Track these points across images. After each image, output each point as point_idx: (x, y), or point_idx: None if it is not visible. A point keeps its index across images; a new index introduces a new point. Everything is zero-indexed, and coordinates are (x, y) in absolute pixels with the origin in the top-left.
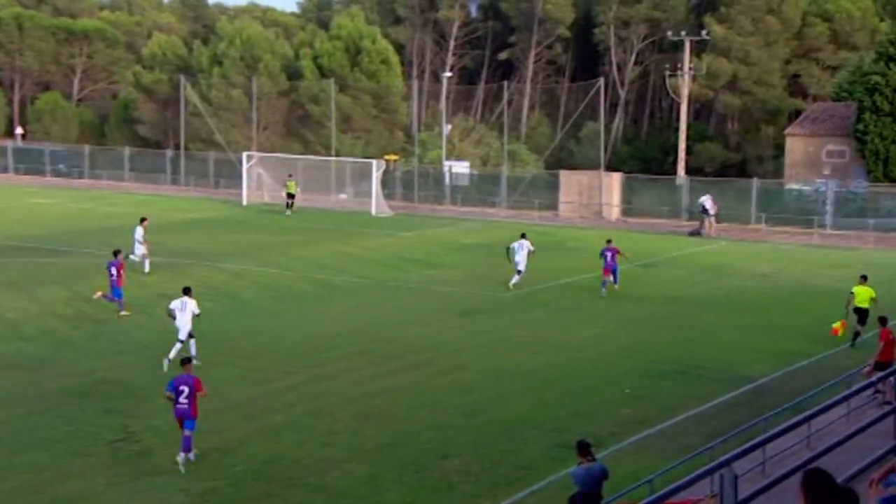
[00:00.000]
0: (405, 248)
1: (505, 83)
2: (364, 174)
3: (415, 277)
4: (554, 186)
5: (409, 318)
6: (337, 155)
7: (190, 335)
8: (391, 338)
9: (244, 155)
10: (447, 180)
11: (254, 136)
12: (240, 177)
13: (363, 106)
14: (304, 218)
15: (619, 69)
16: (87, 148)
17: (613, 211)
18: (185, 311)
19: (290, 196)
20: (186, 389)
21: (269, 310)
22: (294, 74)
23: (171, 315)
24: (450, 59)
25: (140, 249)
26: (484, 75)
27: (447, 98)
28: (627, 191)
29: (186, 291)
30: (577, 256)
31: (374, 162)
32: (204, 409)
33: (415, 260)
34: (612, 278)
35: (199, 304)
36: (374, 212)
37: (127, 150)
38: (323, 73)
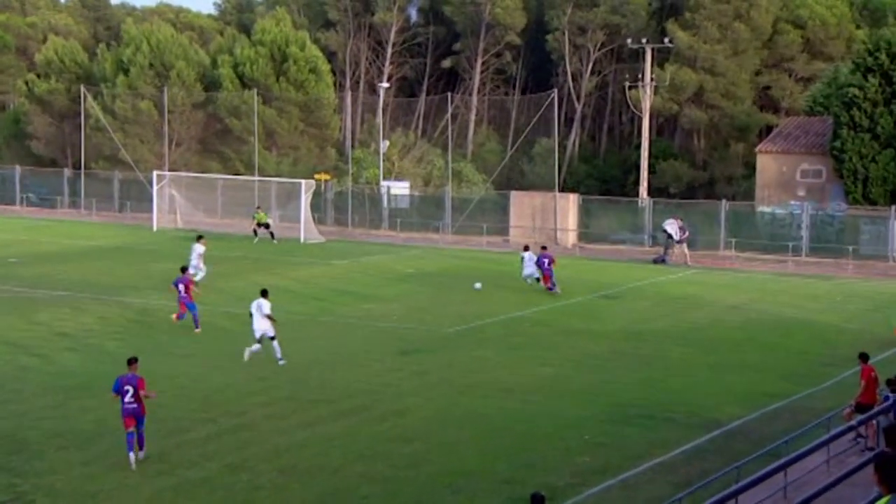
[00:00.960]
0: (338, 278)
1: (449, 95)
2: (291, 196)
3: (349, 312)
4: (504, 209)
5: (343, 357)
6: (261, 174)
7: (272, 337)
8: (322, 380)
9: (154, 174)
10: (385, 202)
11: (165, 153)
12: (149, 199)
13: (290, 119)
14: (223, 245)
15: (575, 80)
16: None
17: (569, 236)
18: (261, 310)
19: (264, 226)
20: (131, 389)
21: (183, 350)
22: (211, 84)
23: (250, 316)
24: (387, 68)
25: (201, 269)
26: (425, 86)
27: (384, 111)
28: (585, 214)
29: (264, 294)
30: (528, 287)
31: (303, 182)
32: (106, 465)
33: (349, 292)
34: (550, 285)
35: (102, 345)
36: (302, 238)
37: (18, 170)
38: (244, 82)
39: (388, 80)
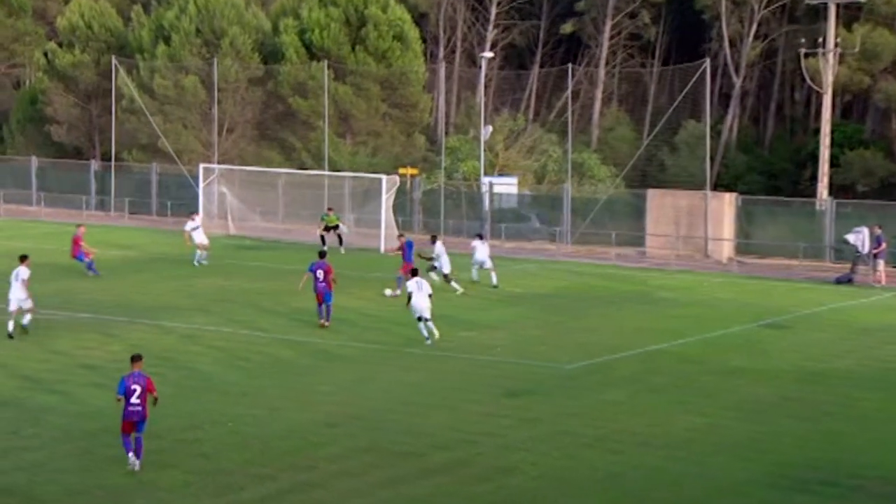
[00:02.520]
0: None
1: (569, 67)
2: (369, 195)
3: (441, 341)
4: (638, 212)
5: (434, 399)
6: (331, 168)
7: (426, 319)
8: (408, 428)
9: (201, 168)
10: (486, 203)
11: (214, 141)
12: (195, 199)
13: (369, 99)
14: (284, 257)
15: (733, 46)
16: None
17: (724, 247)
18: (421, 290)
19: (331, 229)
20: (139, 389)
21: (236, 387)
22: (272, 55)
23: (409, 296)
24: (490, 34)
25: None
26: (539, 56)
27: (487, 88)
28: (745, 218)
29: (414, 273)
30: (673, 312)
31: (384, 178)
32: None
33: (441, 317)
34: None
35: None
36: (382, 248)
37: (35, 161)
38: (312, 53)
39: (492, 48)
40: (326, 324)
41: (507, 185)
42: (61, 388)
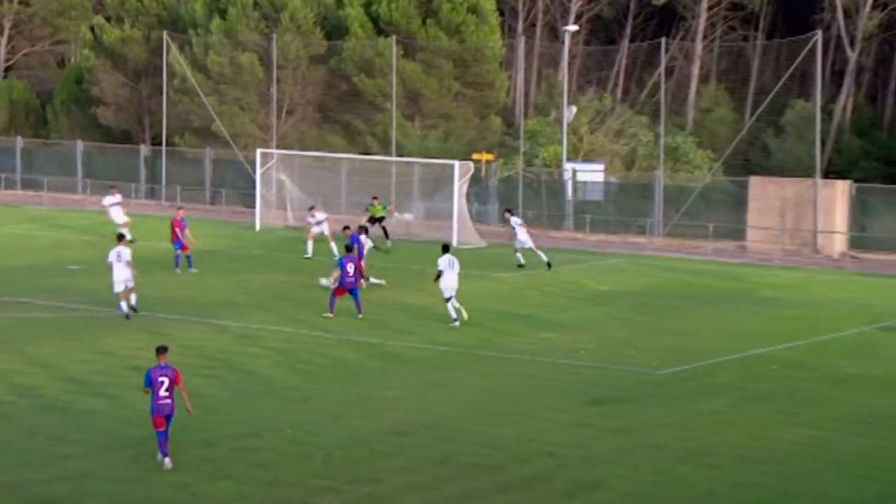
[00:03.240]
0: (504, 297)
1: (662, 41)
2: (440, 183)
3: (520, 344)
4: (739, 202)
5: (512, 407)
6: (399, 153)
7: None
8: (483, 438)
9: (258, 153)
10: (570, 192)
11: (273, 124)
12: (251, 186)
13: (440, 77)
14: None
15: (848, 16)
16: (19, 141)
17: (836, 241)
18: (453, 268)
19: (376, 220)
20: (166, 381)
21: (297, 392)
22: (335, 31)
23: (439, 274)
24: (575, 5)
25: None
26: (629, 29)
27: (570, 65)
28: (860, 209)
29: (446, 249)
30: (777, 313)
31: (457, 164)
32: None
33: (519, 317)
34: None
35: (187, 383)
36: (455, 241)
37: (80, 146)
38: (379, 27)
39: (577, 21)
40: (361, 316)
41: (592, 172)
42: (108, 392)
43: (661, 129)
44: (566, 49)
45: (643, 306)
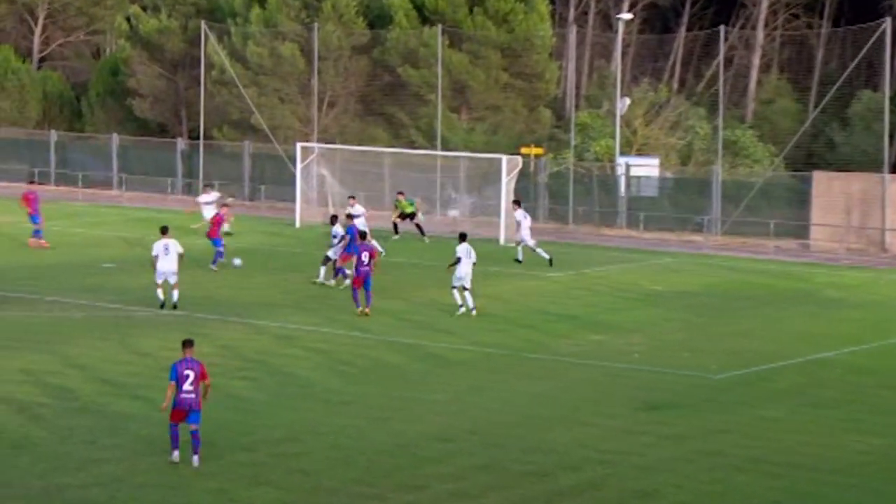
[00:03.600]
0: (554, 297)
1: (721, 29)
2: (488, 178)
3: (569, 346)
4: (802, 198)
5: (562, 412)
6: (445, 147)
7: (466, 288)
8: (531, 444)
9: (298, 147)
10: (622, 188)
11: (314, 117)
12: (291, 182)
13: (488, 68)
14: (392, 249)
15: None
16: (52, 135)
17: None
18: (469, 257)
19: (407, 217)
20: (192, 375)
21: (338, 395)
22: (378, 20)
23: (456, 260)
24: None
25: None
26: (686, 17)
27: (624, 55)
28: None
29: (463, 238)
30: (842, 315)
31: (504, 159)
32: None
33: (569, 318)
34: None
35: (225, 386)
36: (502, 239)
37: (115, 139)
38: (424, 16)
39: (631, 8)
40: (368, 311)
41: (646, 167)
42: (144, 394)
43: (720, 122)
44: (619, 38)
45: (700, 307)
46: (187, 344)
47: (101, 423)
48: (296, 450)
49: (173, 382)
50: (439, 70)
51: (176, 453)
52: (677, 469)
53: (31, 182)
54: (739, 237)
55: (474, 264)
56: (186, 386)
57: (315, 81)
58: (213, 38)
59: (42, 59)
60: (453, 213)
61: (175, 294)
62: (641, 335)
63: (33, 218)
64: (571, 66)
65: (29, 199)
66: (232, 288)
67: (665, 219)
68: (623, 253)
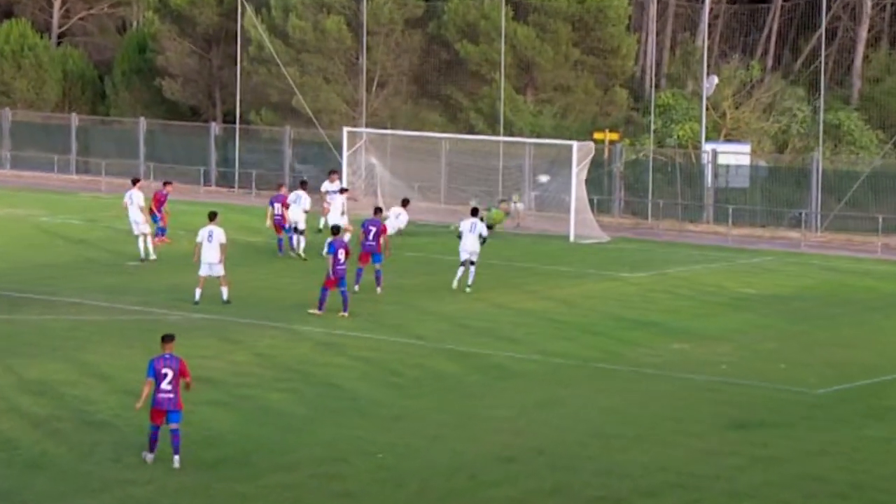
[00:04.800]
0: (630, 301)
1: None
2: (556, 166)
3: (647, 356)
4: None
5: (638, 430)
6: (508, 132)
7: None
8: (605, 466)
9: (345, 132)
10: (709, 179)
11: (362, 98)
12: (337, 170)
13: (557, 43)
14: (450, 245)
15: None
16: (74, 118)
17: None
18: (473, 231)
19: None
20: (170, 373)
21: (388, 410)
22: None
23: (458, 235)
24: None
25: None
26: None
27: (711, 28)
28: None
29: (474, 213)
30: None
31: (575, 145)
32: None
33: (647, 324)
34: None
35: (262, 399)
36: (572, 235)
37: (143, 123)
38: None
39: None
40: (345, 314)
41: (736, 155)
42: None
43: (821, 103)
44: (706, 9)
45: (796, 313)
46: (167, 339)
47: (126, 439)
48: (340, 471)
49: (151, 379)
50: (502, 46)
51: (150, 455)
52: (770, 496)
53: (167, 183)
54: (842, 234)
55: (483, 239)
56: (164, 385)
57: (363, 59)
58: (250, 11)
59: (62, 35)
60: (518, 205)
61: (224, 291)
62: (729, 344)
63: (154, 217)
64: (651, 40)
65: (157, 199)
66: (272, 288)
67: (757, 213)
68: (709, 251)
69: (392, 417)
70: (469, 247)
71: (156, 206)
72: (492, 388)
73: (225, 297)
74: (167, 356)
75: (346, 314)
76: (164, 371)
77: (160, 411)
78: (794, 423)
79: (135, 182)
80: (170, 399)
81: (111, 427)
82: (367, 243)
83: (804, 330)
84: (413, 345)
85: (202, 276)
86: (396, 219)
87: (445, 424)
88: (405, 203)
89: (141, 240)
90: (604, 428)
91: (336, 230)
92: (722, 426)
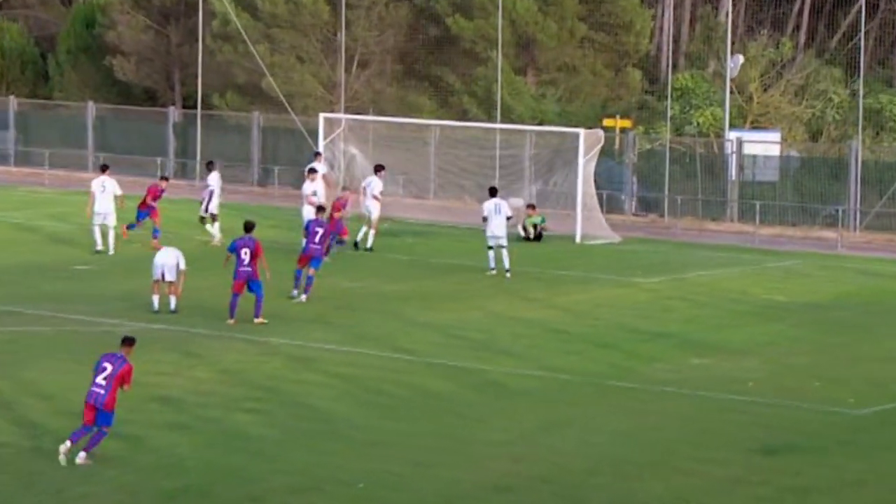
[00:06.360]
0: (645, 309)
1: None
2: (560, 157)
3: (664, 372)
4: None
5: (654, 456)
6: (507, 118)
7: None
8: (617, 496)
9: (322, 119)
10: (733, 170)
11: (341, 80)
12: (312, 162)
13: (561, 18)
14: (439, 246)
15: None
16: (12, 102)
17: None
18: (500, 213)
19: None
20: (109, 368)
21: (369, 433)
22: None
23: (483, 219)
24: None
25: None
26: None
27: (735, 2)
28: None
29: (493, 192)
30: None
31: (582, 133)
32: None
33: (663, 335)
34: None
35: (226, 421)
36: (579, 235)
37: (91, 108)
38: None
39: None
40: (257, 321)
41: (764, 144)
42: (126, 431)
43: (860, 85)
44: None
45: (833, 323)
46: (126, 342)
47: (72, 468)
48: (314, 501)
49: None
50: (499, 20)
51: (67, 443)
52: None
53: (164, 178)
54: (885, 233)
55: (508, 219)
56: (99, 379)
57: (342, 35)
58: None
59: None
60: (517, 201)
61: (173, 300)
62: (756, 358)
63: (141, 214)
64: (668, 14)
65: (153, 193)
66: (224, 296)
67: (787, 210)
68: (733, 253)
69: (374, 442)
70: (496, 230)
71: (152, 200)
72: (488, 409)
73: (173, 306)
74: (116, 355)
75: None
76: (104, 365)
77: (91, 407)
78: (829, 449)
79: (104, 169)
80: (99, 395)
81: (56, 454)
82: (312, 245)
83: (841, 342)
84: (398, 359)
85: (155, 281)
86: (370, 189)
87: (434, 450)
88: (378, 169)
89: (97, 230)
90: (615, 453)
91: (249, 227)
92: (748, 452)
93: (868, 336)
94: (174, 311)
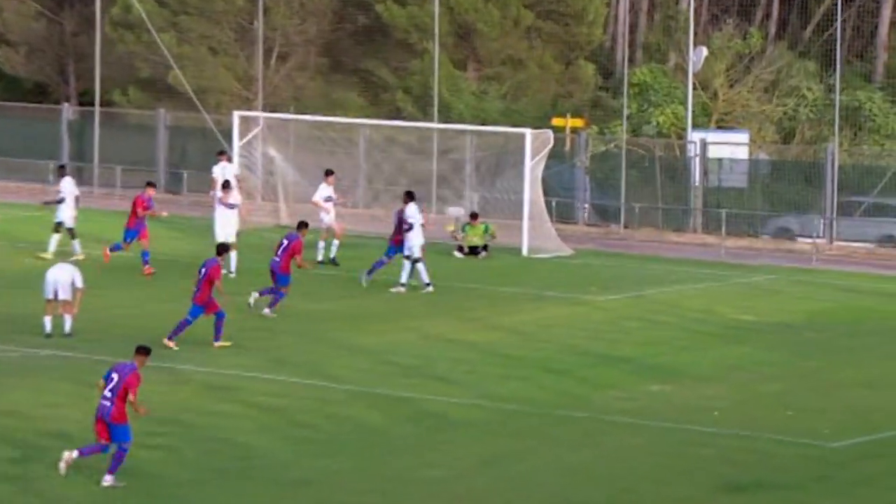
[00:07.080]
0: (599, 330)
1: None
2: (505, 162)
3: (619, 400)
4: None
5: (612, 493)
6: (445, 118)
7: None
8: None
9: (236, 117)
10: (696, 175)
11: (258, 75)
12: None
13: (505, 6)
14: (370, 260)
15: None
16: None
17: None
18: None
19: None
20: (115, 379)
21: (293, 471)
22: None
23: (409, 226)
24: None
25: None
26: None
27: None
28: None
29: (411, 196)
30: None
31: (528, 134)
32: None
33: (620, 359)
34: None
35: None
36: (525, 248)
37: None
38: None
39: None
40: (217, 344)
41: (731, 146)
42: (15, 473)
43: (836, 81)
44: None
45: (806, 345)
46: (140, 351)
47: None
48: None
49: (102, 381)
50: (436, 8)
51: (74, 454)
52: None
53: (150, 184)
54: (863, 244)
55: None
56: (106, 391)
57: (260, 24)
58: None
59: None
60: (456, 210)
61: (68, 321)
62: (723, 385)
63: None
64: (624, 2)
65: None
66: (142, 316)
67: (757, 219)
68: (697, 267)
69: (298, 481)
70: (419, 240)
71: (142, 211)
72: (425, 443)
73: (68, 328)
74: (126, 364)
75: (217, 344)
76: (112, 375)
77: (101, 422)
78: (803, 486)
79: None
80: (106, 408)
81: None
82: (273, 259)
83: (816, 367)
84: (325, 388)
85: (48, 300)
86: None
87: (367, 490)
88: (328, 174)
89: (55, 238)
90: (566, 491)
91: (222, 249)
92: (713, 488)
93: (845, 360)
94: (69, 335)
